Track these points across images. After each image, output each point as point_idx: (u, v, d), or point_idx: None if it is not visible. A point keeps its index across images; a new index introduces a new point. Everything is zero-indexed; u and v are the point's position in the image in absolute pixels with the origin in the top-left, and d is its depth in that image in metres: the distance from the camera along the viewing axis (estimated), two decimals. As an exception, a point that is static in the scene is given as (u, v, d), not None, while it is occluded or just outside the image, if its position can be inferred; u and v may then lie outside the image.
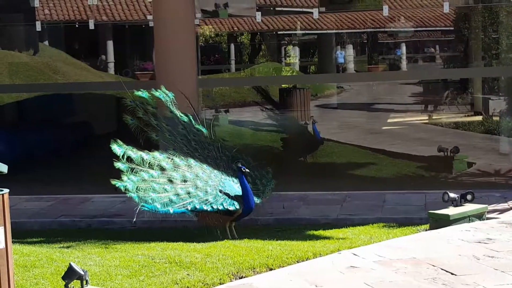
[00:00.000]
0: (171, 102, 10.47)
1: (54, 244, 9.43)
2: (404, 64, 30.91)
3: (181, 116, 10.53)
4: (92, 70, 23.09)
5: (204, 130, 10.56)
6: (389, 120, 22.68)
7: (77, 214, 12.09)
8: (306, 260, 8.40)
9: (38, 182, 14.74)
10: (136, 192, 9.26)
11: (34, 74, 19.01)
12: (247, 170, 9.76)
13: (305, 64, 36.84)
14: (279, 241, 9.51)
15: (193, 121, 10.57)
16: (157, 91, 10.43)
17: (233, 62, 31.74)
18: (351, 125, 21.69)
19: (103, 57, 23.43)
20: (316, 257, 8.52)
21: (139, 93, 10.33)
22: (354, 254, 8.45)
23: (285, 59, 31.69)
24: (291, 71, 31.48)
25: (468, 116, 22.09)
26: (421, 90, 26.02)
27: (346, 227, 10.56)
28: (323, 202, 12.27)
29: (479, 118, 21.35)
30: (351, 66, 32.49)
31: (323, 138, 16.41)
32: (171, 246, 8.99)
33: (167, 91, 10.49)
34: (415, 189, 12.89)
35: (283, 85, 22.31)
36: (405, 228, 10.25)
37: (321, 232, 10.32)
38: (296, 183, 13.57)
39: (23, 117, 17.18)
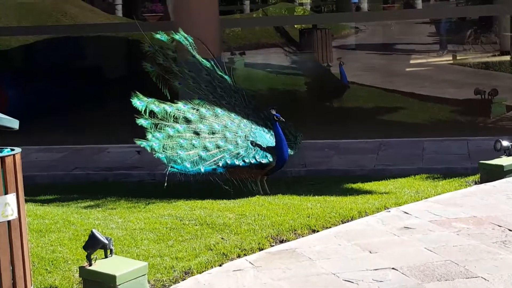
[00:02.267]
0: (191, 46, 9.50)
1: (70, 203, 8.58)
2: (419, 2, 29.76)
3: (202, 61, 9.58)
4: (101, 12, 22.10)
5: (227, 77, 9.61)
6: (411, 61, 21.66)
7: (91, 167, 11.26)
8: (351, 219, 7.53)
9: (48, 132, 13.90)
10: (163, 151, 8.38)
11: (43, 17, 17.99)
12: (282, 118, 8.85)
13: (318, 4, 35.64)
14: (316, 197, 8.65)
15: (216, 68, 9.62)
16: (176, 34, 9.45)
17: (247, 2, 30.58)
18: (373, 66, 20.69)
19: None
20: (362, 216, 7.65)
21: (158, 35, 9.35)
22: (405, 212, 7.57)
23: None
24: (302, 12, 30.36)
25: (495, 56, 21.09)
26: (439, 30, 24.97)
27: (386, 179, 9.69)
28: (356, 151, 11.38)
29: (507, 57, 20.35)
30: (365, 6, 31.33)
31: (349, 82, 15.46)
32: (200, 204, 8.12)
33: (185, 35, 9.51)
34: (455, 136, 11.95)
35: (297, 26, 21.29)
36: (451, 180, 9.36)
37: (359, 185, 9.45)
38: (325, 130, 12.68)
39: (31, 62, 16.20)
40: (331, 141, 12.00)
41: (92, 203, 8.47)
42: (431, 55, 22.36)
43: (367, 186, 9.41)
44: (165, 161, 8.34)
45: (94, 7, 22.27)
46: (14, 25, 16.50)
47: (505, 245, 6.39)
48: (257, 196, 8.74)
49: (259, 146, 8.89)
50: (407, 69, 20.11)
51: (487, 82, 15.60)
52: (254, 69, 19.50)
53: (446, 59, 21.44)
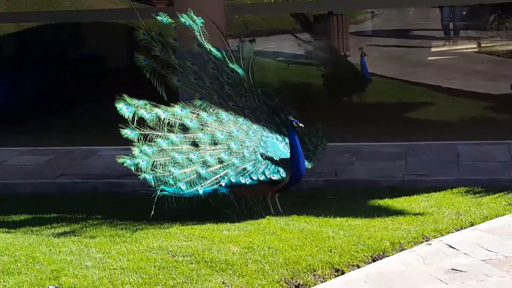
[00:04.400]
0: (199, 32, 8.00)
1: (42, 227, 7.14)
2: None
3: (211, 51, 8.09)
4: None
5: (240, 71, 8.13)
6: (433, 49, 20.10)
7: (79, 174, 9.83)
8: (383, 254, 6.14)
9: (35, 131, 12.50)
10: (153, 170, 6.96)
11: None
12: (300, 124, 7.42)
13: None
14: (338, 219, 7.23)
15: (227, 59, 8.14)
16: (181, 16, 7.95)
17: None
18: (393, 55, 19.13)
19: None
20: (395, 248, 6.26)
21: (159, 18, 7.84)
22: (450, 246, 6.17)
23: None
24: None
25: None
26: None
27: (418, 194, 8.25)
28: (381, 157, 9.92)
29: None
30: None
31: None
32: (198, 231, 6.71)
33: (194, 16, 8.01)
34: (492, 138, 10.45)
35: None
36: (497, 195, 7.91)
37: (388, 202, 8.02)
38: (344, 131, 11.21)
39: (23, 52, 14.74)
40: (352, 144, 10.53)
41: (68, 228, 7.04)
42: (454, 42, 20.81)
43: (397, 203, 7.98)
44: (153, 183, 6.91)
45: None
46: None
47: None
48: (268, 217, 7.32)
49: (270, 159, 7.45)
50: (429, 58, 18.56)
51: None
52: (266, 58, 18.01)
53: (470, 46, 19.90)
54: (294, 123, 7.40)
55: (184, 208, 7.07)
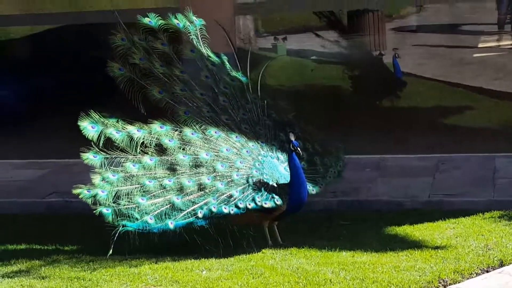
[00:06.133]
0: (196, 35, 6.98)
1: (10, 267, 6.16)
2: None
3: (209, 56, 7.07)
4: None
5: (243, 79, 7.09)
6: (480, 45, 18.74)
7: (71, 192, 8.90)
8: (387, 304, 5.05)
9: (38, 141, 11.65)
10: (115, 202, 5.98)
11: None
12: (299, 150, 6.35)
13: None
14: (344, 253, 6.20)
15: (227, 65, 7.11)
16: (175, 17, 6.95)
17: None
18: (436, 53, 17.83)
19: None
20: (402, 297, 5.17)
21: (146, 20, 6.83)
22: (469, 297, 5.05)
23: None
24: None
25: None
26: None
27: (444, 219, 7.15)
28: (406, 172, 8.79)
29: None
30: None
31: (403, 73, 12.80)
32: (172, 272, 5.71)
33: (193, 17, 6.98)
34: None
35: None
36: (536, 223, 6.77)
37: (407, 230, 6.93)
38: (370, 140, 10.10)
39: (24, 54, 13.91)
40: (376, 157, 9.42)
41: (23, 266, 6.07)
42: (504, 37, 19.45)
43: (417, 231, 6.88)
44: (111, 218, 5.93)
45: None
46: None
47: None
48: (263, 251, 6.28)
49: (264, 184, 6.38)
50: (474, 55, 17.23)
51: None
52: (298, 57, 16.95)
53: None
54: (292, 145, 6.33)
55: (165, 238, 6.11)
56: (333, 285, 5.40)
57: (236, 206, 6.17)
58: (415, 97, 12.79)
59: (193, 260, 5.99)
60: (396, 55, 12.56)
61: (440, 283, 5.46)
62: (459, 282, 5.40)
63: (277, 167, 6.63)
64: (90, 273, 5.72)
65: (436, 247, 6.29)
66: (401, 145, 9.92)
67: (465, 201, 7.68)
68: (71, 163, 10.20)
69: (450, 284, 5.40)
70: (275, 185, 6.42)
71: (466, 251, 6.13)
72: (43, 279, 5.67)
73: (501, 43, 18.81)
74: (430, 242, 6.49)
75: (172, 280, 5.51)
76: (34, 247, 6.64)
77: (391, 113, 12.03)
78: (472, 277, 5.54)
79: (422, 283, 5.42)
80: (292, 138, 6.41)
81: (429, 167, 8.87)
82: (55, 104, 12.67)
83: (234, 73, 7.08)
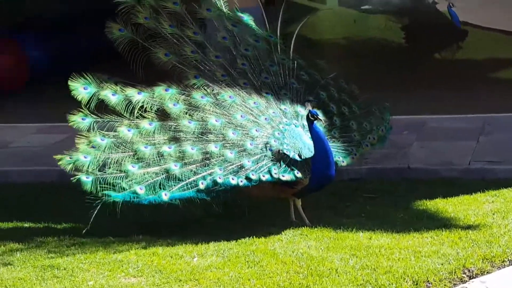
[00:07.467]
0: None
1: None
2: None
3: (228, 15, 6.28)
4: None
5: (273, 38, 6.31)
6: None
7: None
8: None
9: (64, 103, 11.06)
10: (101, 170, 5.30)
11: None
12: (320, 117, 5.58)
13: None
14: (360, 234, 5.44)
15: (252, 25, 6.32)
16: None
17: None
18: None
19: None
20: (417, 290, 4.42)
21: None
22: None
23: None
24: None
25: None
26: None
27: (483, 190, 6.32)
28: (447, 135, 7.91)
29: None
30: None
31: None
32: (158, 259, 5.04)
33: None
34: None
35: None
36: None
37: (438, 204, 6.12)
38: (412, 99, 9.24)
39: (53, 9, 13.17)
40: (416, 118, 8.55)
41: (14, 246, 5.49)
42: None
43: (450, 205, 6.07)
44: (89, 186, 5.25)
45: None
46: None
47: None
48: (269, 233, 5.55)
49: (283, 156, 5.63)
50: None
51: None
52: (348, 8, 15.97)
53: None
54: (311, 114, 5.55)
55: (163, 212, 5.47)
56: (338, 276, 4.67)
57: (247, 178, 5.40)
58: (467, 49, 11.81)
59: (187, 243, 5.31)
60: (451, 4, 11.66)
61: (464, 273, 4.67)
62: (487, 273, 4.62)
63: (301, 136, 5.81)
64: (68, 260, 5.09)
65: (468, 227, 5.48)
66: (445, 103, 9.03)
67: (510, 169, 6.81)
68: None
69: (476, 275, 4.62)
70: (297, 157, 5.63)
71: (501, 231, 5.32)
72: (13, 266, 5.05)
73: None
74: (463, 219, 5.68)
75: (156, 270, 4.84)
76: (18, 225, 6.04)
77: (437, 67, 11.09)
78: (504, 266, 4.73)
79: (443, 274, 4.65)
80: (310, 107, 5.65)
81: (474, 129, 7.97)
82: (88, 66, 12.10)
83: (260, 32, 6.31)
